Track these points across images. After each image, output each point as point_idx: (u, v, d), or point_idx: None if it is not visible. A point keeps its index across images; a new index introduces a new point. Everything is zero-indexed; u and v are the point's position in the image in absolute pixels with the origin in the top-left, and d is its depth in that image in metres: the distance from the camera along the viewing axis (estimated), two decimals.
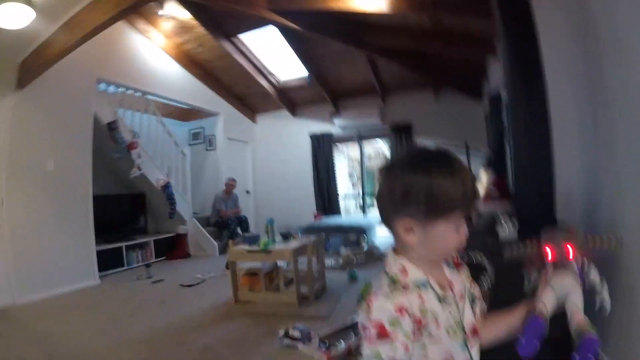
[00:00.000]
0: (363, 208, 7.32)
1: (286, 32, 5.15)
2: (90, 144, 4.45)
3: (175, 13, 4.89)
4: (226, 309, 3.39)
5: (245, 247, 3.62)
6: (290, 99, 7.11)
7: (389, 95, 6.71)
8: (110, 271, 4.74)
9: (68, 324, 3.17)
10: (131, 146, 5.01)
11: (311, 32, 4.81)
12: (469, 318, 0.79)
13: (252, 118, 7.63)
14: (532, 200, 1.88)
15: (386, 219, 0.78)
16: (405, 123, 6.53)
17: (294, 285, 3.39)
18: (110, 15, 3.30)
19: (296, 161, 7.37)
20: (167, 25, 5.16)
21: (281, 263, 3.72)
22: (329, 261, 4.87)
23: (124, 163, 5.07)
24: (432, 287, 0.75)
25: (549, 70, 1.71)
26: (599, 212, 1.64)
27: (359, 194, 7.28)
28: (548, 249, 0.79)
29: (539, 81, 1.72)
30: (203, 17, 4.94)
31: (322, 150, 7.12)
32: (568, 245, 0.77)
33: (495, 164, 2.42)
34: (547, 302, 0.77)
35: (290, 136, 7.45)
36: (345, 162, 7.86)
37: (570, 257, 0.77)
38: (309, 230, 6.12)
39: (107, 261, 4.66)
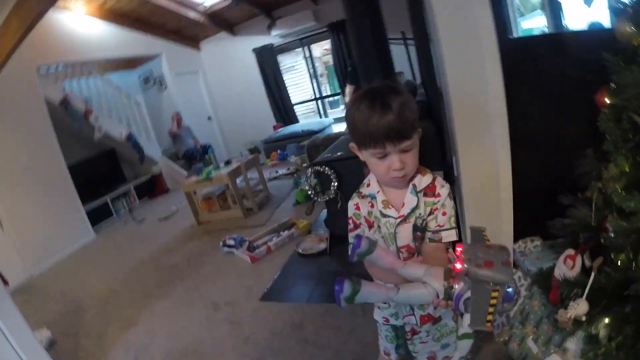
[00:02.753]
0: (319, 110, 7.68)
1: None
2: (50, 126, 4.64)
3: None
4: (192, 231, 4.19)
5: (193, 178, 4.29)
6: (225, 21, 7.11)
7: None
8: (103, 223, 5.36)
9: (77, 278, 3.80)
10: (87, 114, 5.39)
11: None
12: (404, 237, 0.91)
13: (196, 47, 7.72)
14: None
15: None
16: (340, 20, 6.60)
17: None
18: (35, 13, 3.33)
19: (247, 78, 7.60)
20: None
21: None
22: (283, 170, 5.54)
23: (86, 130, 5.46)
24: (376, 201, 0.93)
25: None
26: None
27: (317, 96, 7.59)
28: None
29: None
30: None
31: (268, 62, 7.34)
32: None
33: (355, 76, 2.79)
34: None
35: (235, 56, 7.57)
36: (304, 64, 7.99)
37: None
38: (268, 142, 6.75)
39: (99, 215, 5.31)
